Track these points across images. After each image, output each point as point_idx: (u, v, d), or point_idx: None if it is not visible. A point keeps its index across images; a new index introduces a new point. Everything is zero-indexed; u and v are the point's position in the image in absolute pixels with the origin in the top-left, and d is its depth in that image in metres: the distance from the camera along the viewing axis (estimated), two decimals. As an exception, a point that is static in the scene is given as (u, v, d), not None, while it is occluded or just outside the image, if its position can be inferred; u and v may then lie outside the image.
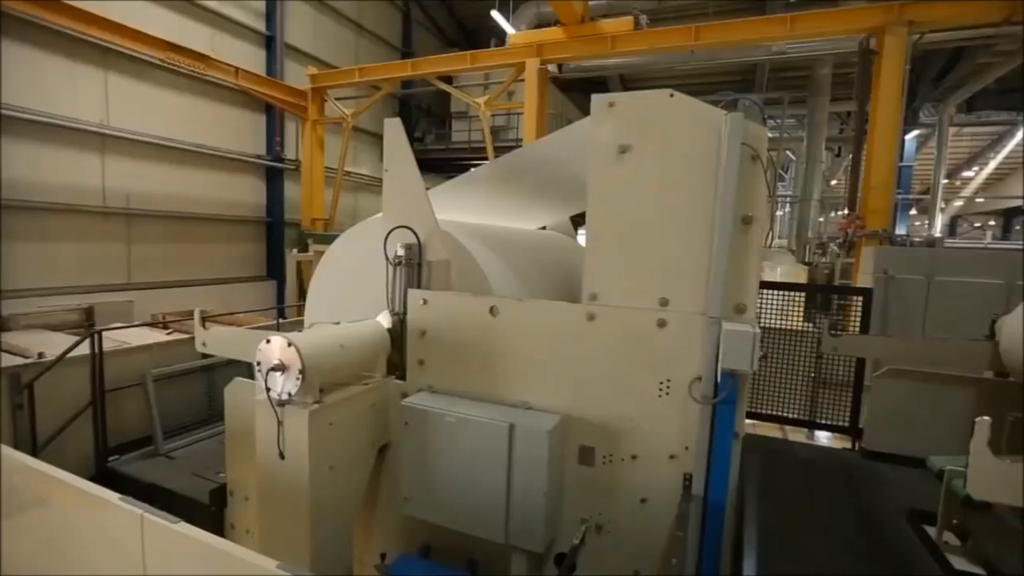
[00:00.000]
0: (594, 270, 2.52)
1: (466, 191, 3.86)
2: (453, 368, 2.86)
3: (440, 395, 2.86)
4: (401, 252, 3.05)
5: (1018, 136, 18.25)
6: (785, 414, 6.43)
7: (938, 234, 15.57)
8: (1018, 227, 23.17)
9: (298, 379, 2.45)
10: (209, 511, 3.43)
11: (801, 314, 7.24)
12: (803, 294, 7.17)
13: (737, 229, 2.21)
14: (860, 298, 5.68)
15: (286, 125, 13.75)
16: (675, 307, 2.36)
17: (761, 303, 6.96)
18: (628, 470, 2.51)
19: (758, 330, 2.07)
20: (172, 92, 10.84)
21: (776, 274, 9.30)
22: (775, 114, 17.00)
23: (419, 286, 3.02)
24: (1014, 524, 3.50)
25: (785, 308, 6.72)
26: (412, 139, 18.20)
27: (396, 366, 3.12)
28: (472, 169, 3.55)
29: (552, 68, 11.09)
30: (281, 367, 2.48)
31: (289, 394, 2.47)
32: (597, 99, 2.46)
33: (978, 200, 23.91)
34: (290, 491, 2.49)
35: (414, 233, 3.03)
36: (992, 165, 20.34)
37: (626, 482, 2.52)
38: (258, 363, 2.54)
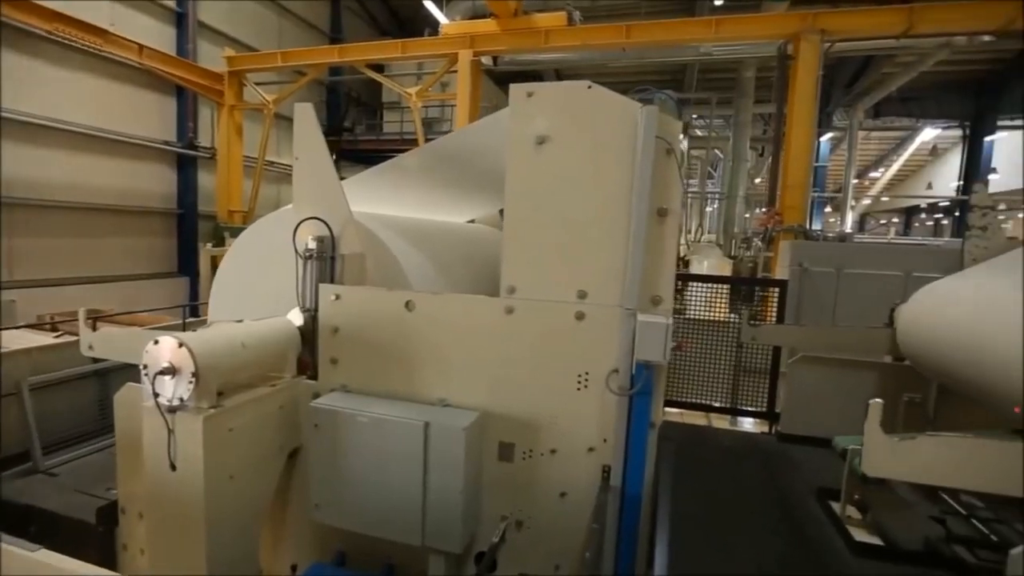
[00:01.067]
0: (512, 263, 2.46)
1: (387, 183, 3.70)
2: (368, 366, 2.71)
3: (354, 395, 2.70)
4: (312, 245, 2.86)
5: (917, 140, 20.01)
6: (711, 402, 6.71)
7: (849, 230, 16.79)
8: (917, 224, 25.44)
9: (191, 382, 2.24)
10: (97, 532, 3.11)
11: (726, 306, 7.57)
12: (727, 286, 7.51)
13: (653, 221, 2.21)
14: (777, 290, 5.99)
15: (200, 110, 12.82)
16: (593, 300, 2.34)
17: (691, 296, 7.22)
18: (548, 465, 2.47)
19: (671, 321, 2.07)
20: (67, 70, 9.82)
21: (703, 267, 9.68)
22: (704, 114, 17.72)
23: (332, 281, 2.85)
24: (906, 496, 3.79)
25: (711, 300, 7.00)
26: (341, 129, 17.57)
27: (308, 365, 2.94)
28: (390, 159, 3.40)
29: (487, 61, 10.98)
30: (171, 370, 2.25)
31: (181, 399, 2.25)
32: (516, 89, 2.39)
33: (883, 199, 26.04)
34: (183, 504, 2.27)
35: (326, 225, 2.85)
36: (895, 167, 22.17)
37: (546, 477, 2.48)
38: (145, 366, 2.30)
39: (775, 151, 8.92)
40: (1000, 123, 15.42)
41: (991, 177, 16.05)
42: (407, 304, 2.61)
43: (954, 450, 2.05)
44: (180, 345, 2.24)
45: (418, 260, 3.30)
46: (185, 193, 12.64)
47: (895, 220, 27.42)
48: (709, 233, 19.87)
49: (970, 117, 15.58)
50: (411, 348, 2.63)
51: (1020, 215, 18.84)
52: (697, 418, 6.90)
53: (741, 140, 15.75)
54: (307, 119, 2.94)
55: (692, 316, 7.14)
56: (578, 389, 2.37)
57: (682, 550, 3.05)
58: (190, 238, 12.67)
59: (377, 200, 3.69)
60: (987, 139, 15.31)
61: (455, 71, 10.56)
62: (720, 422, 6.82)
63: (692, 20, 9.62)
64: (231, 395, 2.44)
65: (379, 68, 12.79)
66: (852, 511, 3.84)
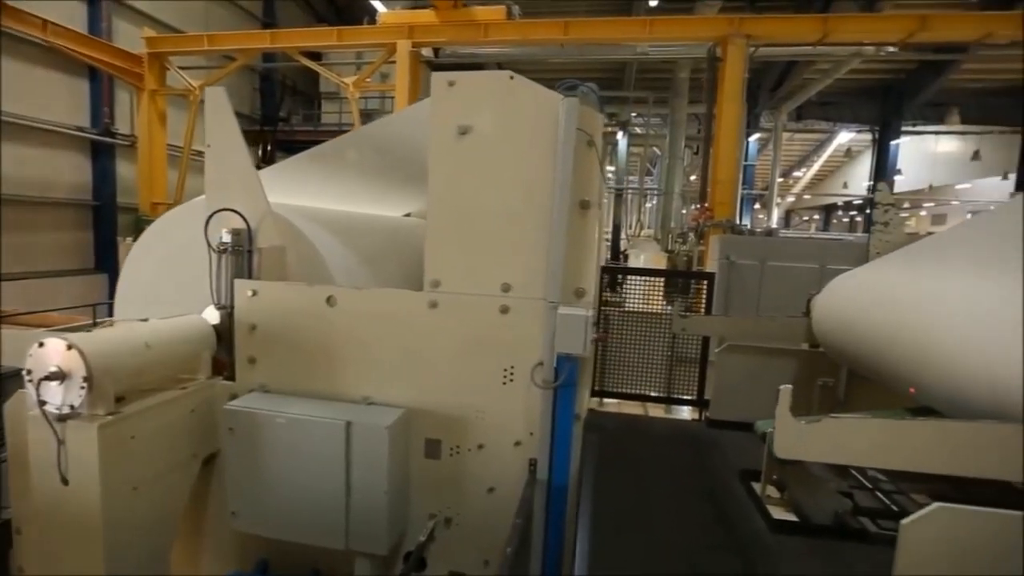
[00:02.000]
0: (436, 256, 2.41)
1: (315, 174, 3.55)
2: (288, 365, 2.59)
3: (273, 395, 2.58)
4: (227, 238, 2.70)
5: (835, 143, 21.43)
6: (648, 392, 6.91)
7: (775, 225, 17.77)
8: (835, 220, 27.29)
9: (83, 388, 2.06)
10: (-14, 555, 2.82)
11: (662, 297, 7.83)
12: (663, 280, 7.76)
13: (575, 214, 2.23)
14: (706, 282, 6.24)
15: (117, 94, 11.88)
16: (517, 293, 2.33)
17: (629, 289, 7.41)
18: (475, 460, 2.45)
19: (591, 313, 2.10)
20: (-43, 46, 8.85)
21: (640, 260, 9.97)
22: (643, 112, 18.23)
23: (249, 276, 2.70)
24: (819, 473, 4.05)
25: (647, 292, 7.22)
26: (277, 119, 16.81)
27: (225, 365, 2.78)
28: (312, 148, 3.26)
29: (427, 52, 10.80)
30: (60, 375, 2.07)
31: (71, 407, 2.07)
32: (437, 77, 2.34)
33: (805, 197, 27.77)
34: (79, 522, 2.09)
35: (242, 216, 2.69)
36: (816, 167, 23.66)
37: (474, 472, 2.46)
38: (28, 371, 2.10)
39: (705, 149, 9.31)
40: (904, 128, 16.76)
41: (897, 178, 17.44)
42: (328, 299, 2.51)
43: (853, 430, 2.19)
44: (69, 347, 2.05)
45: (344, 254, 3.19)
46: (102, 183, 11.68)
47: (816, 217, 29.33)
48: (648, 228, 20.51)
49: (879, 122, 16.84)
50: (333, 345, 2.54)
51: (922, 212, 20.59)
52: (634, 408, 7.09)
53: (677, 138, 16.33)
54: (219, 104, 2.77)
55: (630, 309, 7.35)
56: (504, 383, 2.37)
57: (603, 538, 3.14)
58: (108, 232, 11.72)
59: (303, 192, 3.53)
60: (893, 143, 16.61)
61: (394, 61, 10.32)
62: (656, 411, 7.04)
63: (628, 19, 9.87)
64: (134, 400, 2.27)
65: (316, 56, 12.31)
66: (772, 490, 4.07)
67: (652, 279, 7.53)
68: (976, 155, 17.89)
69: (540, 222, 2.27)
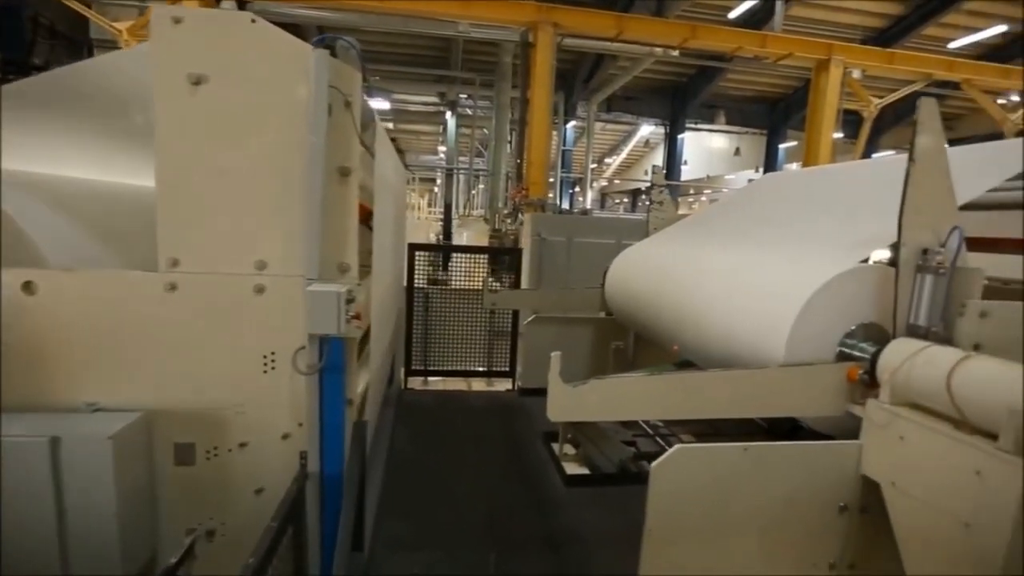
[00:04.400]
0: (171, 230, 2.04)
1: (39, 131, 2.79)
2: (-34, 374, 2.01)
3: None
4: None
5: (638, 135, 24.08)
6: (472, 367, 7.06)
7: (589, 207, 19.45)
8: (640, 203, 30.87)
9: None
10: None
11: (490, 275, 8.02)
12: (487, 260, 7.93)
13: (332, 181, 2.04)
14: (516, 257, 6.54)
15: None
16: (274, 270, 2.09)
17: (454, 267, 7.42)
18: (238, 461, 2.18)
19: (345, 290, 1.96)
20: None
21: (463, 238, 10.08)
22: (471, 93, 18.36)
23: None
24: (608, 428, 4.51)
25: (471, 270, 7.33)
26: (30, 66, 13.28)
27: None
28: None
29: (229, 3, 9.41)
30: None
31: None
32: (159, 11, 1.94)
33: (616, 182, 30.91)
34: None
35: None
36: (623, 155, 26.37)
37: (238, 475, 2.19)
38: None
39: (520, 132, 9.68)
40: (688, 125, 19.48)
41: (683, 168, 20.28)
42: (26, 286, 1.98)
43: (615, 389, 2.38)
44: None
45: (66, 229, 2.57)
46: None
47: (625, 200, 32.98)
48: (479, 209, 20.96)
49: (669, 118, 19.32)
50: (39, 343, 2.02)
51: (703, 198, 24.28)
52: (459, 384, 7.20)
53: (503, 121, 16.76)
54: None
55: (456, 287, 7.40)
56: (265, 372, 2.12)
57: (398, 519, 3.09)
58: None
59: (29, 154, 2.75)
60: (680, 137, 19.22)
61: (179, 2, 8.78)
62: (479, 384, 7.24)
63: (447, -4, 9.72)
64: None
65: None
66: (568, 448, 4.42)
67: (475, 257, 7.67)
68: (737, 151, 21.61)
69: (295, 190, 2.04)
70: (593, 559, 2.99)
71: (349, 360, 2.12)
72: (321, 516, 2.15)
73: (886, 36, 14.03)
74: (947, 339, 2.19)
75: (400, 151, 5.36)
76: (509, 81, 16.37)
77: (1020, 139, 2.67)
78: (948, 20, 13.18)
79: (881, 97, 12.94)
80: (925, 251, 2.24)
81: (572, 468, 4.08)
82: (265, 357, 2.11)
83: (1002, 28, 12.63)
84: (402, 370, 6.11)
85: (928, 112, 2.20)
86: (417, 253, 6.30)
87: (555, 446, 4.32)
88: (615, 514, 3.44)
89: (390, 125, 24.38)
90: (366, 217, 2.53)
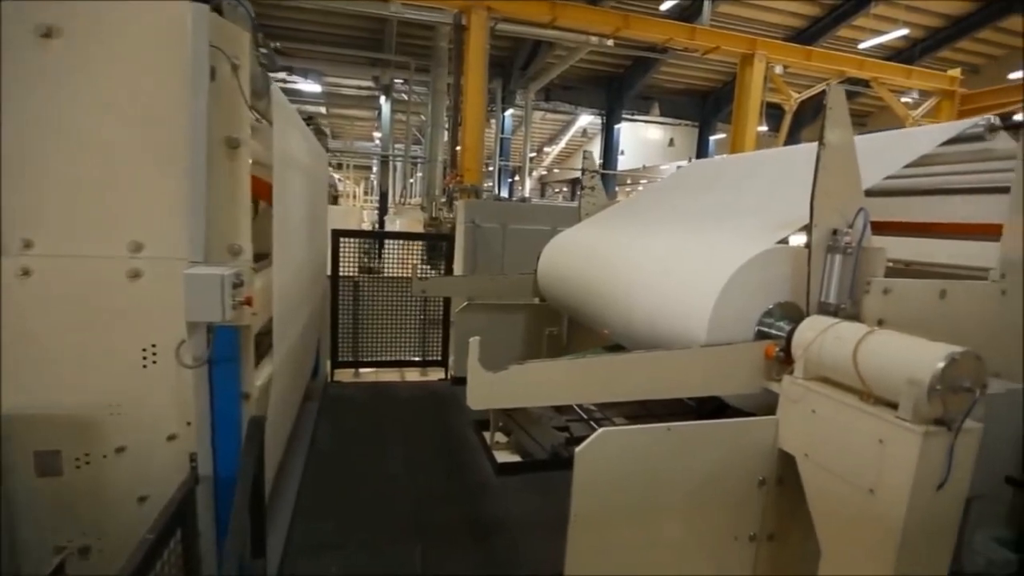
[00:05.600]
0: (23, 207, 1.75)
1: None
2: None
3: None
4: None
5: (576, 125, 24.30)
6: (407, 358, 6.86)
7: (528, 195, 19.47)
8: (579, 191, 31.42)
9: None
10: None
11: (426, 263, 7.81)
12: (423, 245, 7.71)
13: (220, 154, 1.82)
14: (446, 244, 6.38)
15: None
16: (152, 252, 1.85)
17: (388, 255, 7.14)
18: (115, 468, 1.93)
19: (229, 272, 1.76)
20: None
21: (396, 225, 9.78)
22: (406, 77, 17.83)
23: None
24: (540, 414, 4.48)
25: (405, 258, 7.10)
26: None
27: None
28: None
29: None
30: None
31: None
32: (-4, -56, 1.64)
33: (555, 171, 31.16)
34: None
35: None
36: (562, 144, 26.58)
37: (115, 483, 1.94)
38: None
39: (454, 117, 9.46)
40: (624, 116, 19.86)
41: (621, 158, 20.68)
42: None
43: (536, 374, 2.31)
44: None
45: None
46: None
47: (565, 189, 33.36)
48: (416, 197, 20.49)
49: (606, 108, 19.61)
50: None
51: (639, 187, 24.91)
52: (392, 375, 6.99)
53: (439, 107, 16.36)
54: None
55: (389, 275, 7.14)
56: (144, 366, 1.88)
57: (315, 520, 2.92)
58: None
59: None
60: (616, 127, 19.57)
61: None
62: (413, 375, 7.05)
63: (374, -28, 9.30)
64: None
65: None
66: (500, 436, 4.36)
67: (409, 245, 7.44)
68: (672, 143, 22.29)
69: (176, 163, 1.80)
70: (521, 547, 2.93)
71: (244, 350, 1.91)
72: (216, 523, 1.95)
73: (805, 36, 14.83)
74: (855, 315, 2.27)
75: (321, 131, 5.05)
76: (445, 66, 15.98)
77: (910, 129, 2.81)
78: (858, 23, 14.11)
79: (800, 92, 13.68)
80: (835, 232, 2.31)
81: (503, 456, 4.02)
82: (144, 350, 1.87)
83: (904, 31, 13.63)
84: (328, 362, 5.83)
85: (836, 99, 2.25)
86: (343, 240, 6.01)
87: (487, 435, 4.25)
88: (546, 501, 3.41)
89: (323, 109, 23.35)
90: (268, 196, 2.30)
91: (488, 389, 2.25)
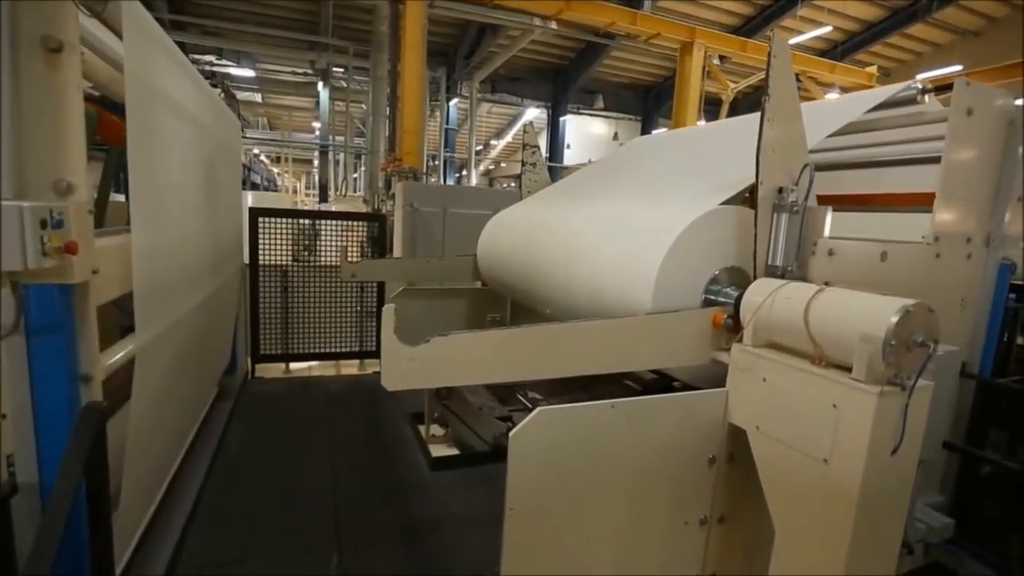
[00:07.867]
0: None
1: None
2: None
3: None
4: None
5: (523, 118, 24.12)
6: (348, 349, 6.43)
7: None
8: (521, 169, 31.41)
9: None
10: None
11: (362, 249, 7.34)
12: (362, 236, 7.26)
13: (34, 60, 1.41)
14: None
15: None
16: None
17: (324, 243, 6.64)
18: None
19: (38, 206, 1.36)
20: None
21: (333, 214, 9.22)
22: (345, 63, 17.06)
23: None
24: (481, 404, 4.18)
25: (345, 246, 6.64)
26: None
27: None
28: None
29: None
30: None
31: None
32: None
33: (503, 165, 30.95)
34: None
35: None
36: (508, 137, 26.37)
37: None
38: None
39: (393, 100, 9.02)
40: (569, 108, 19.84)
41: (567, 151, 20.66)
42: None
43: (462, 346, 2.03)
44: None
45: None
46: None
47: (513, 184, 33.29)
48: (358, 191, 19.75)
49: (552, 100, 19.53)
50: None
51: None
52: (327, 369, 6.53)
53: (380, 94, 15.70)
54: None
55: (323, 263, 6.70)
56: (-64, 343, 1.45)
57: (223, 532, 2.53)
58: None
59: None
60: (562, 119, 19.52)
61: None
62: (350, 368, 6.61)
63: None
64: None
65: None
66: (436, 429, 4.03)
67: (347, 232, 6.97)
68: (616, 136, 22.49)
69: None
70: (454, 548, 2.63)
71: (81, 318, 1.49)
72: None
73: (739, 33, 15.33)
74: (801, 278, 2.18)
75: (232, 95, 4.54)
76: (386, 52, 15.34)
77: (849, 94, 2.73)
78: (785, 24, 14.79)
79: (736, 83, 14.10)
80: (780, 190, 2.20)
81: (439, 450, 3.71)
82: (-64, 322, 1.43)
83: (827, 28, 14.34)
84: (248, 358, 5.31)
85: (779, 48, 2.15)
86: (267, 224, 5.49)
87: (422, 428, 3.92)
88: (484, 495, 3.13)
89: (258, 97, 22.09)
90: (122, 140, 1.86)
91: (406, 365, 1.95)
